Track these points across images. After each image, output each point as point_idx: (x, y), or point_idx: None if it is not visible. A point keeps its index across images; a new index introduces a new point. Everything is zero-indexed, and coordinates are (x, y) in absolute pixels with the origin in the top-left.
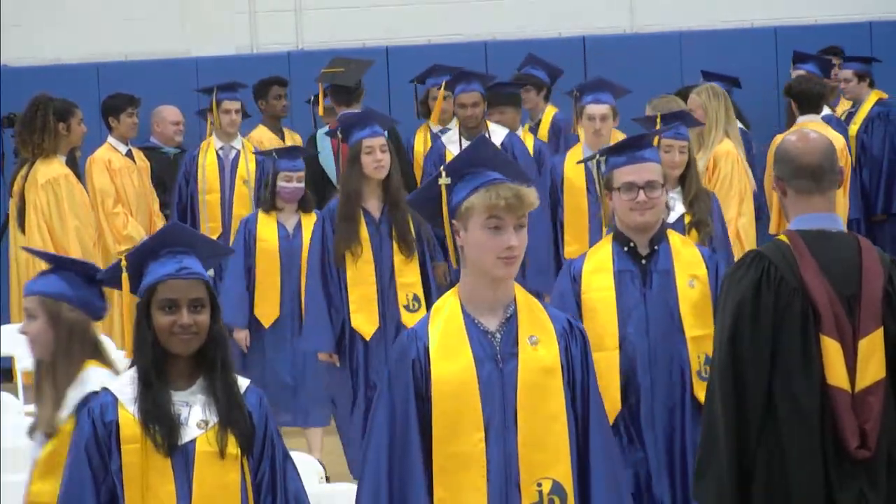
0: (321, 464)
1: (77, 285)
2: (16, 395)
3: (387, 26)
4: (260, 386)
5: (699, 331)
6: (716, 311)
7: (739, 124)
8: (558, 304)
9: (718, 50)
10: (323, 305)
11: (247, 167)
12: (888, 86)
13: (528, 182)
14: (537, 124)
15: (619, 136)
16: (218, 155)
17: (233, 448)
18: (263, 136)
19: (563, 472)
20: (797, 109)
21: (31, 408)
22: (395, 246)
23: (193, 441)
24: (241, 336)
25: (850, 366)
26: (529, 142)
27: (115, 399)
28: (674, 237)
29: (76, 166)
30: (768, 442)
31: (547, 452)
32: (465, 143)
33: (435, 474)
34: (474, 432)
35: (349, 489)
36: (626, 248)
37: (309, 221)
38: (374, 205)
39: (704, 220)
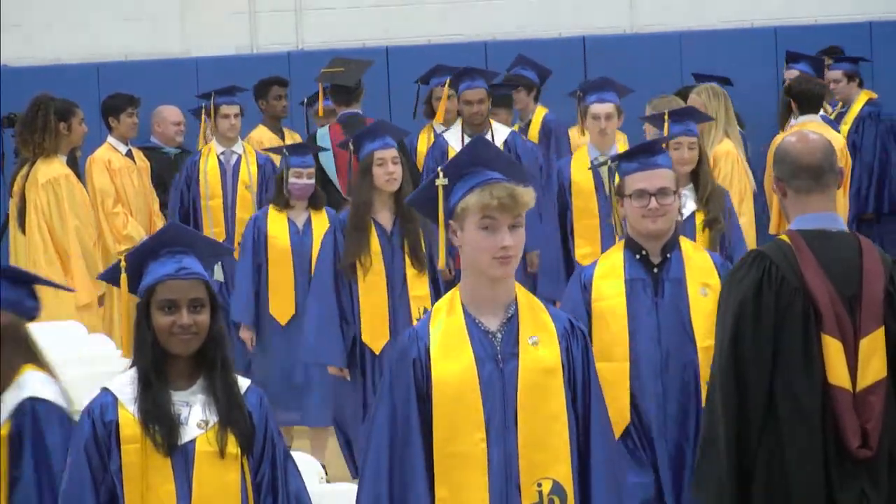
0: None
1: (4, 287)
2: None
3: (387, 26)
4: (270, 384)
5: (711, 340)
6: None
7: None
8: (568, 311)
9: (718, 50)
10: (334, 318)
11: (248, 172)
12: (888, 86)
13: (527, 182)
14: (527, 125)
15: (621, 137)
16: (219, 160)
17: (233, 448)
18: (263, 137)
19: (564, 472)
20: (797, 109)
21: None
22: (407, 259)
23: (193, 441)
24: (248, 335)
25: (851, 365)
26: None
27: (115, 399)
28: (686, 244)
29: (76, 166)
30: (769, 441)
31: (547, 452)
32: (468, 141)
33: (436, 474)
34: (475, 432)
35: (349, 489)
36: (637, 256)
37: (319, 218)
38: (385, 217)
39: (717, 217)
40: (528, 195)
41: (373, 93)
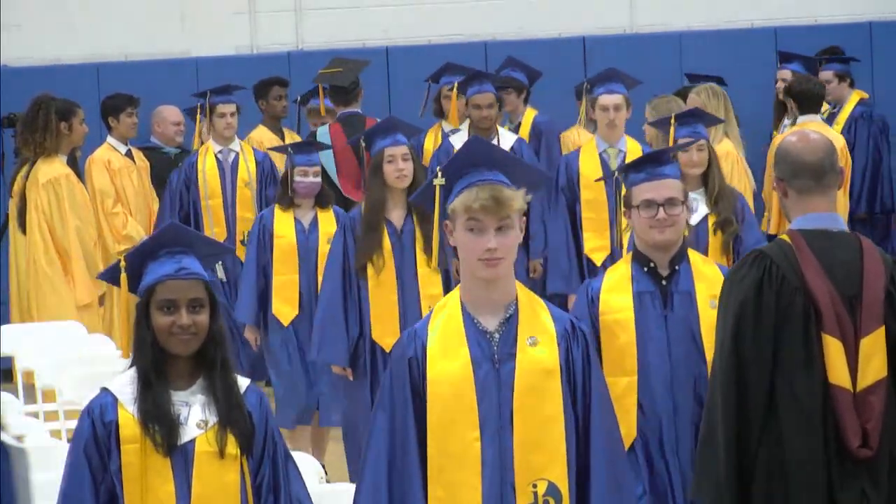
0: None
1: None
2: (16, 395)
3: (387, 26)
4: (275, 384)
5: None
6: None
7: None
8: None
9: (718, 50)
10: (340, 317)
11: (247, 169)
12: (887, 86)
13: (530, 183)
14: (517, 127)
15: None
16: (217, 159)
17: (232, 448)
18: (263, 137)
19: (559, 473)
20: (797, 109)
21: (32, 407)
22: (418, 256)
23: (193, 441)
24: (252, 336)
25: (851, 365)
26: None
27: (115, 399)
28: (695, 256)
29: (76, 166)
30: (769, 441)
31: (543, 454)
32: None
33: (430, 473)
34: (469, 432)
35: (349, 489)
36: (645, 269)
37: (326, 217)
38: (397, 215)
39: (729, 219)
40: (515, 198)
41: (373, 93)
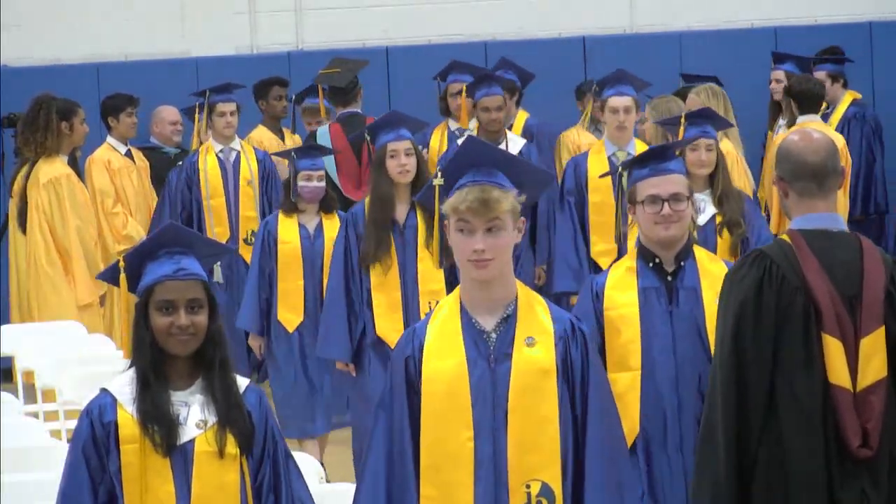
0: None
1: None
2: (16, 395)
3: (387, 26)
4: (283, 392)
5: None
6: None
7: None
8: None
9: (718, 50)
10: (343, 313)
11: (249, 168)
12: (887, 86)
13: (528, 183)
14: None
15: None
16: (218, 158)
17: (232, 448)
18: (263, 137)
19: (553, 474)
20: (797, 109)
21: (32, 407)
22: (420, 252)
23: (192, 441)
24: (256, 344)
25: (851, 365)
26: None
27: (114, 399)
28: (700, 253)
29: (76, 166)
30: (769, 441)
31: (537, 454)
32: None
33: (423, 472)
34: (463, 431)
35: (349, 489)
36: (651, 265)
37: (331, 222)
38: (400, 210)
39: (736, 220)
40: (502, 199)
41: (373, 93)
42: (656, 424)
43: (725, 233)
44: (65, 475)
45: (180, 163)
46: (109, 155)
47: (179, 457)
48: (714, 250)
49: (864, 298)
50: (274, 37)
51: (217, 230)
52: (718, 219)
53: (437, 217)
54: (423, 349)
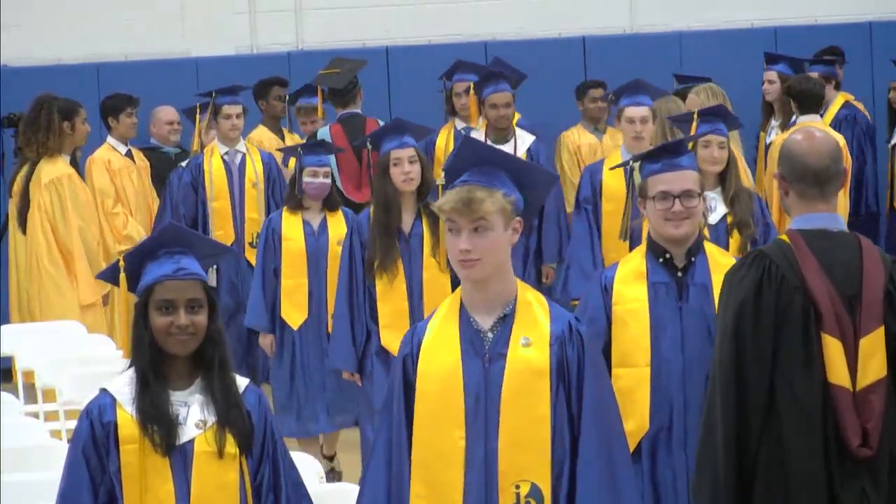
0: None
1: None
2: (16, 395)
3: (387, 26)
4: (286, 390)
5: None
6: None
7: None
8: (586, 314)
9: (718, 50)
10: (346, 323)
11: (254, 170)
12: (887, 86)
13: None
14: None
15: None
16: (224, 160)
17: (231, 448)
18: (263, 137)
19: (543, 475)
20: (797, 109)
21: (32, 407)
22: (425, 261)
23: (192, 441)
24: (267, 342)
25: (851, 365)
26: None
27: (114, 400)
28: (711, 249)
29: (76, 166)
30: (769, 441)
31: (528, 455)
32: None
33: (413, 469)
34: (455, 430)
35: (349, 489)
36: (661, 260)
37: (335, 220)
38: (406, 218)
39: (746, 220)
40: (486, 200)
41: (373, 93)
42: (662, 422)
43: (736, 233)
44: (65, 475)
45: (182, 163)
46: (109, 155)
47: (179, 457)
48: (725, 250)
49: (864, 298)
50: (274, 37)
51: (220, 233)
52: (729, 219)
53: (441, 219)
54: (420, 347)
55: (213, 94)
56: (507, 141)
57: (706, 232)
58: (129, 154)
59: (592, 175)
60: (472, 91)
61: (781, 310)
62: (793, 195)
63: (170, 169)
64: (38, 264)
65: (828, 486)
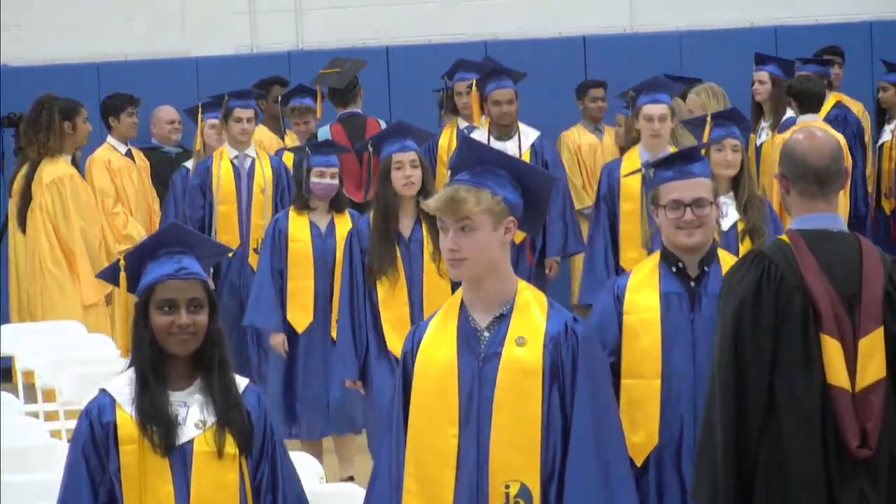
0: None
1: None
2: (16, 395)
3: (387, 26)
4: (289, 393)
5: None
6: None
7: None
8: (598, 322)
9: (718, 50)
10: (348, 331)
11: (263, 175)
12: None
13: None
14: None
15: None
16: (233, 164)
17: (231, 448)
18: (263, 137)
19: (532, 476)
20: (797, 109)
21: (32, 407)
22: (426, 266)
23: (191, 441)
24: (278, 341)
25: (850, 365)
26: None
27: (113, 400)
28: (725, 258)
29: (77, 166)
30: (769, 441)
31: (518, 455)
32: (494, 142)
33: (406, 465)
34: (448, 428)
35: (349, 489)
36: (674, 269)
37: (342, 221)
38: (406, 223)
39: (759, 227)
40: (470, 199)
41: (373, 93)
42: (672, 434)
43: (748, 240)
44: (65, 475)
45: (186, 163)
46: (109, 155)
47: (178, 457)
48: (737, 256)
49: (863, 298)
50: (274, 37)
51: (224, 237)
52: (741, 225)
53: None
54: (420, 345)
55: (226, 97)
56: (510, 138)
57: (716, 235)
58: (129, 154)
59: (610, 174)
60: (474, 88)
61: (781, 310)
62: (794, 194)
63: (170, 169)
64: (40, 265)
65: (827, 487)
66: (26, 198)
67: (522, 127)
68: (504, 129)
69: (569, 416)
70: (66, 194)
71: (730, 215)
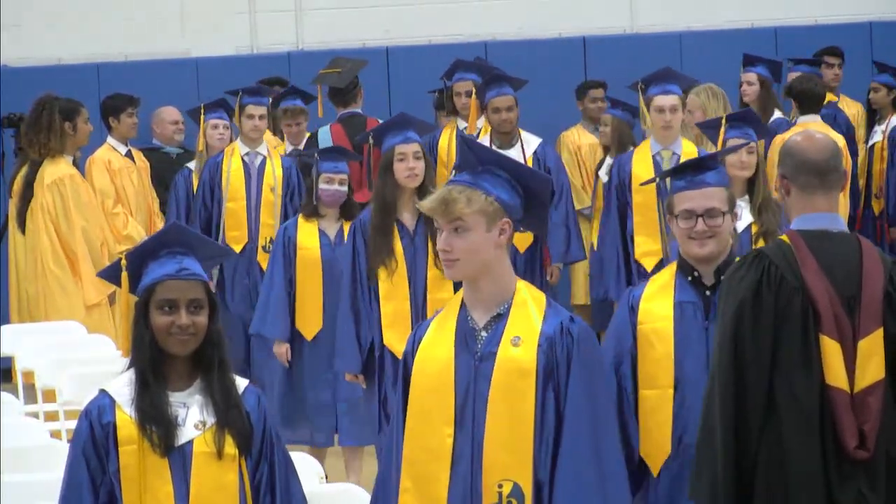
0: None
1: None
2: (16, 395)
3: (387, 26)
4: (298, 402)
5: None
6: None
7: None
8: (614, 335)
9: (718, 50)
10: (350, 324)
11: (273, 174)
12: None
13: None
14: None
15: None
16: (244, 161)
17: (230, 448)
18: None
19: (525, 476)
20: (797, 109)
21: (32, 407)
22: (430, 259)
23: (191, 442)
24: (282, 350)
25: (849, 366)
26: None
27: (113, 400)
28: None
29: (77, 166)
30: (768, 441)
31: (511, 454)
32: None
33: (403, 462)
34: (444, 426)
35: (349, 489)
36: (689, 278)
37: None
38: (408, 216)
39: (773, 230)
40: (461, 201)
41: (373, 93)
42: (684, 443)
43: (761, 242)
44: (65, 476)
45: (189, 164)
46: (109, 155)
47: (178, 458)
48: None
49: (863, 299)
50: (274, 37)
51: (234, 234)
52: (754, 228)
53: None
54: (419, 345)
55: (240, 93)
56: (511, 146)
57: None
58: (129, 154)
59: (621, 166)
60: (473, 97)
61: (781, 310)
62: (794, 190)
63: (171, 169)
64: (42, 265)
65: (825, 488)
66: (26, 198)
67: (524, 134)
68: (505, 137)
69: (562, 412)
70: (68, 194)
71: (744, 217)
